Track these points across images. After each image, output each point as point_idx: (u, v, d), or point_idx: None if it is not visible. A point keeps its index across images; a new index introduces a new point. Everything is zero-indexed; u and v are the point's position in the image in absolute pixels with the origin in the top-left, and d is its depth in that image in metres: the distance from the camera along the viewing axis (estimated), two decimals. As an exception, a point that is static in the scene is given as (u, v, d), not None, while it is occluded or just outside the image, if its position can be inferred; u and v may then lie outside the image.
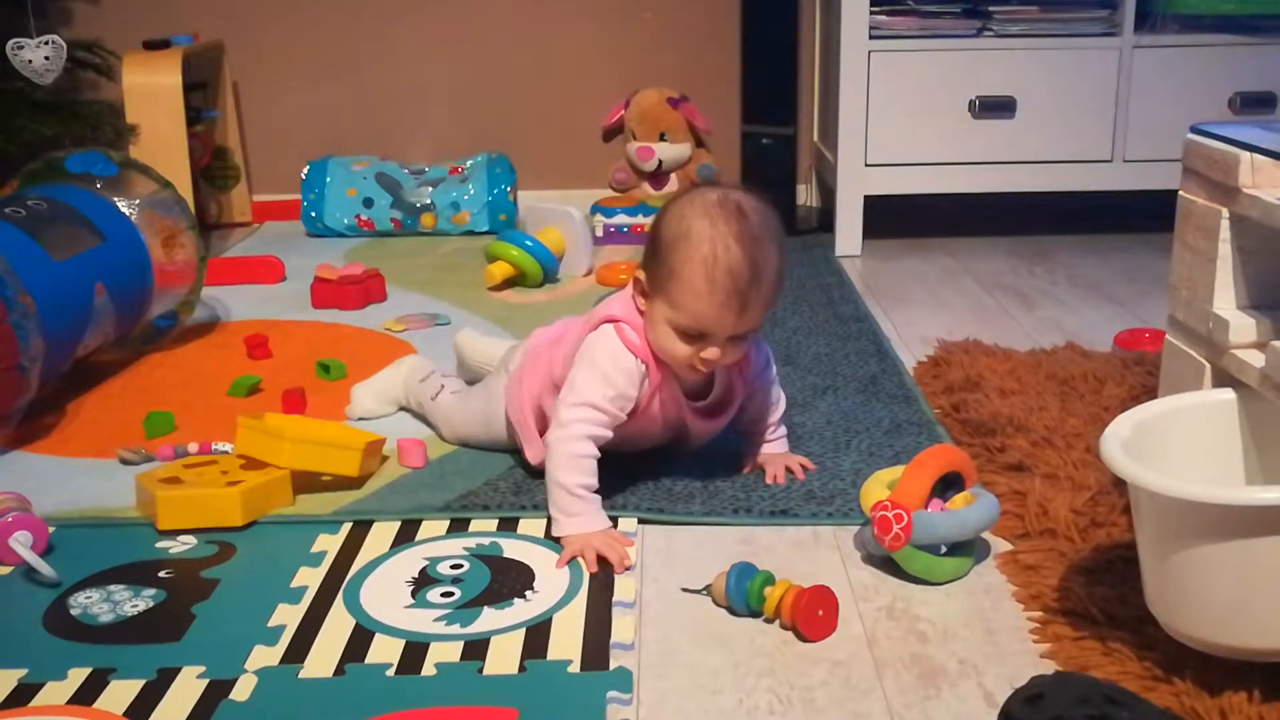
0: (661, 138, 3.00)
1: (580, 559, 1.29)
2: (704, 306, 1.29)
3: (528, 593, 1.24)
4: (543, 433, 1.42)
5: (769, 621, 1.17)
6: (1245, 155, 1.19)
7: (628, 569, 1.27)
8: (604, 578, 1.26)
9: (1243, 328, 1.21)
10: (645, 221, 2.74)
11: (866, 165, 2.60)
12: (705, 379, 1.42)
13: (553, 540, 1.34)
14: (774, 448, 1.51)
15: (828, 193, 2.83)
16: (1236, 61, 2.53)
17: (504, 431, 1.52)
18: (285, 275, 2.49)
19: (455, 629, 1.17)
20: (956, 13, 2.59)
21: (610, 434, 1.36)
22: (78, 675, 1.11)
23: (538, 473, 1.44)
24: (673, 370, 1.38)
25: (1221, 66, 2.53)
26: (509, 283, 2.38)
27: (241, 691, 1.07)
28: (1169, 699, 1.01)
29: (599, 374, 1.35)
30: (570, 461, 1.33)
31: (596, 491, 1.35)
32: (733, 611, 1.19)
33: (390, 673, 1.10)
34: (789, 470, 1.48)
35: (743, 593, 1.18)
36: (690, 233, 1.29)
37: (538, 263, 2.36)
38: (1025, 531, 1.33)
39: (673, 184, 3.05)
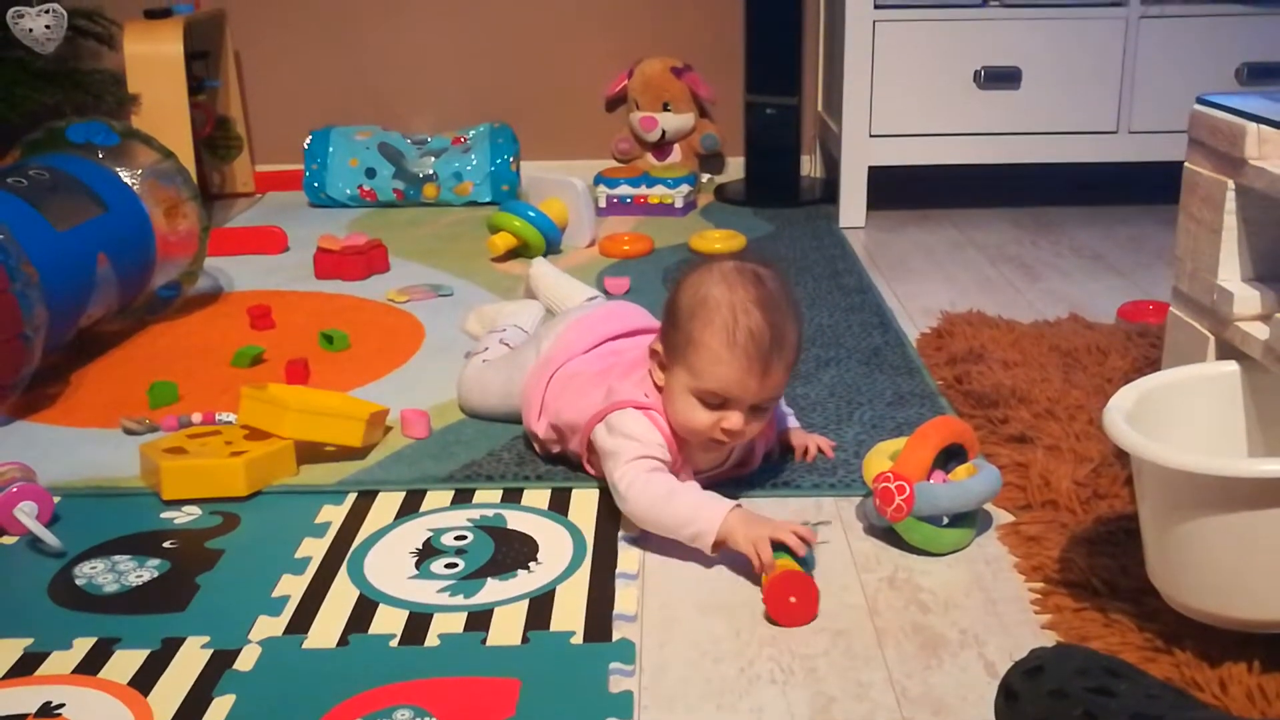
0: (665, 108, 2.99)
1: (758, 555, 1.18)
2: (726, 370, 1.25)
3: (531, 564, 1.24)
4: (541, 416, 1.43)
5: None
6: (1252, 126, 1.18)
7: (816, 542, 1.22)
8: (607, 550, 1.27)
9: (1247, 300, 1.21)
10: (649, 192, 2.73)
11: (871, 136, 2.59)
12: (722, 455, 1.38)
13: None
14: (792, 424, 1.51)
15: (832, 163, 2.82)
16: (1244, 32, 2.51)
17: (519, 403, 1.50)
18: (288, 246, 2.49)
19: (459, 600, 1.18)
20: (962, -18, 2.57)
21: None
22: (83, 645, 1.11)
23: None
24: (691, 451, 1.33)
25: (1228, 37, 2.51)
26: (512, 253, 2.37)
27: (245, 661, 1.08)
28: (1169, 670, 1.01)
29: (633, 440, 1.29)
30: (647, 497, 1.25)
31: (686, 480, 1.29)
32: None
33: (394, 643, 1.11)
34: (820, 450, 1.47)
35: None
36: (708, 299, 1.27)
37: (540, 233, 2.36)
38: (1027, 503, 1.34)
39: (676, 154, 3.05)
